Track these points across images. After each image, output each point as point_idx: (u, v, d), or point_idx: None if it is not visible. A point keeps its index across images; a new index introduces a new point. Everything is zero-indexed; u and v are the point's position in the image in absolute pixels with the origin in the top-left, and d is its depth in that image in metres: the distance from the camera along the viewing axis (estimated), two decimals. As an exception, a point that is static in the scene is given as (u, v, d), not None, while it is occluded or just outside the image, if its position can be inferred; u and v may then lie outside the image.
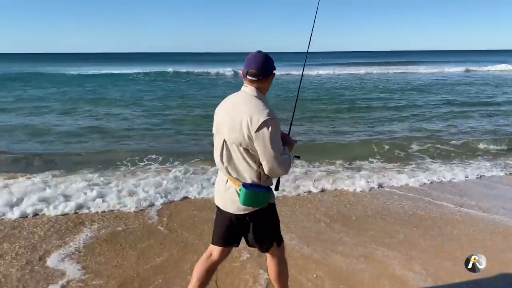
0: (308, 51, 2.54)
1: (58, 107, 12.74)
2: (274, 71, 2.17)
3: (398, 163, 6.55)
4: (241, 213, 2.20)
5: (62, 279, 3.05)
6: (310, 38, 2.58)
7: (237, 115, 2.05)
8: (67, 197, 4.67)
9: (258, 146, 2.01)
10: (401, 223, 4.23)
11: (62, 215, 4.29)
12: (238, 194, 2.14)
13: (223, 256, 2.42)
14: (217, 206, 2.35)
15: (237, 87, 2.21)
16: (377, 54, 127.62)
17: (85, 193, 4.77)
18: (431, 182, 5.59)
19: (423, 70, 34.12)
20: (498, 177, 5.89)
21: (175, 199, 4.83)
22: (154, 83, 22.99)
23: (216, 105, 2.26)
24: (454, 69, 34.09)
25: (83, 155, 6.94)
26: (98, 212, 4.40)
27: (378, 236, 3.87)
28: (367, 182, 5.41)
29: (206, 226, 4.00)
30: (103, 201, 4.62)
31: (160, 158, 6.66)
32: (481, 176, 5.89)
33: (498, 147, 7.45)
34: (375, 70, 33.60)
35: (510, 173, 6.05)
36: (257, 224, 2.26)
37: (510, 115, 11.28)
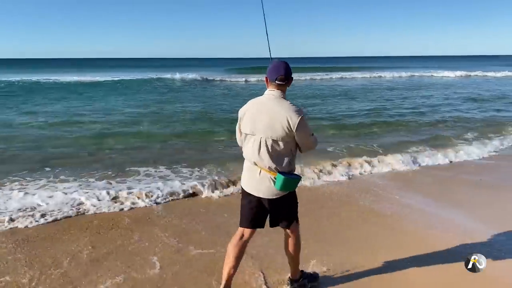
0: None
1: None
2: (292, 76, 2.66)
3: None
4: (275, 197, 2.66)
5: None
6: (268, 44, 3.03)
7: (276, 115, 2.53)
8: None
9: (299, 136, 2.58)
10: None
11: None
12: (273, 182, 2.59)
13: (251, 236, 2.85)
14: (247, 194, 2.77)
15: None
16: (324, 60, 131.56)
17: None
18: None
19: (359, 75, 35.09)
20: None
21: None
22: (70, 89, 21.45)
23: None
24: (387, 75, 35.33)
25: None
26: None
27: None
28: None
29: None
30: None
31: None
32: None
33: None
34: (313, 76, 34.03)
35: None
36: (286, 205, 2.76)
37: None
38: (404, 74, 36.17)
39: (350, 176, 6.31)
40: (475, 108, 14.49)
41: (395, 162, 6.97)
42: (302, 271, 3.14)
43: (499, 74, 35.73)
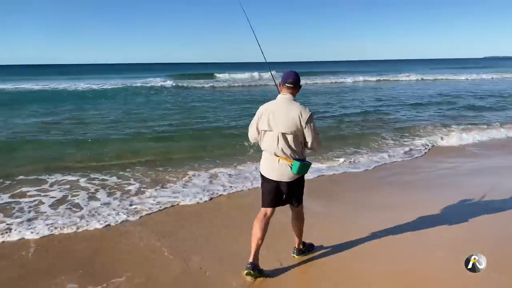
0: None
1: None
2: (301, 84, 3.28)
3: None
4: (291, 180, 3.23)
5: None
6: (260, 47, 3.90)
7: (289, 113, 3.11)
8: None
9: (308, 131, 3.13)
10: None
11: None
12: (290, 167, 3.16)
13: (272, 213, 3.39)
14: (266, 180, 3.31)
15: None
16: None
17: None
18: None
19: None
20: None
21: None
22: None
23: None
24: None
25: None
26: None
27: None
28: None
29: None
30: None
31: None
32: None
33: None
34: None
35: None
36: (298, 188, 3.34)
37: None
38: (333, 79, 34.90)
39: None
40: (403, 111, 14.47)
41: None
42: (304, 242, 3.73)
43: (439, 77, 37.28)
